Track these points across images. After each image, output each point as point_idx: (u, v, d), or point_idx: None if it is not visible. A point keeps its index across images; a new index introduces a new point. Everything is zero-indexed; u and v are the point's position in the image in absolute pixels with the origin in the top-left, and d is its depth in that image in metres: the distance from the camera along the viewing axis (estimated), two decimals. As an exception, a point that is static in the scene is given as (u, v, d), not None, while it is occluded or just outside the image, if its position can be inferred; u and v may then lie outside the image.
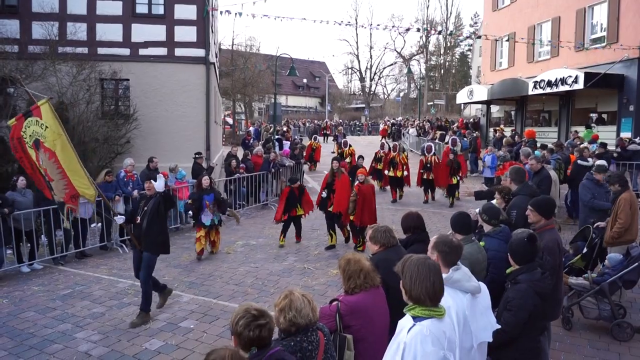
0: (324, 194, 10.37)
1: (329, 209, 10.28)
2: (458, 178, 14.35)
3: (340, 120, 50.13)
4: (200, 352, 5.88)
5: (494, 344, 3.54)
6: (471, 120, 30.64)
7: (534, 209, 4.91)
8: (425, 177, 14.76)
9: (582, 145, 13.40)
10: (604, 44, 17.92)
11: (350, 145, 19.49)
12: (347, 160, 17.61)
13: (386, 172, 15.56)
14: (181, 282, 8.46)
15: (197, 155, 13.19)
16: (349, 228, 10.45)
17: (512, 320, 3.67)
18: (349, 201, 9.78)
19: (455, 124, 30.93)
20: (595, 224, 7.48)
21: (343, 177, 10.22)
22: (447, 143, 17.98)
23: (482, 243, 4.83)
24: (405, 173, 15.20)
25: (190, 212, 10.05)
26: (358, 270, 3.67)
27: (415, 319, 2.80)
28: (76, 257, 10.03)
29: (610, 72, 16.98)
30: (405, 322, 2.88)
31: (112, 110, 15.53)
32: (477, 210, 5.25)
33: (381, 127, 41.50)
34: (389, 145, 16.74)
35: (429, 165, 14.61)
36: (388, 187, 15.74)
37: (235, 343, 2.81)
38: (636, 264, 6.20)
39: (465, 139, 21.21)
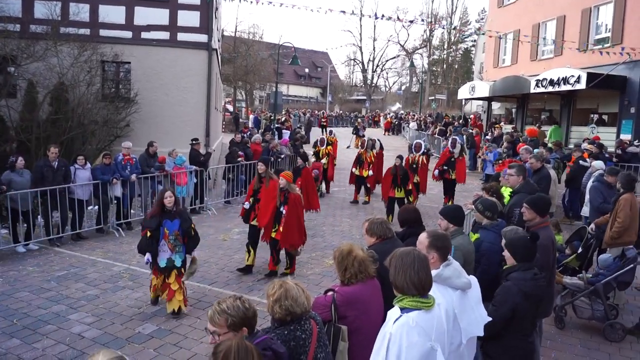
0: (247, 205, 8.43)
1: (253, 222, 8.33)
2: (407, 190, 11.75)
3: (341, 112, 49.96)
4: (193, 337, 5.91)
5: (483, 338, 3.57)
6: (487, 118, 29.40)
7: (530, 207, 4.93)
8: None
9: (588, 145, 13.34)
10: (608, 45, 17.87)
11: (328, 144, 16.09)
12: (324, 161, 15.23)
13: (353, 169, 14.18)
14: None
15: (193, 142, 13.00)
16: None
17: (493, 315, 3.69)
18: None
19: (458, 119, 30.42)
20: (592, 223, 7.50)
21: (272, 183, 8.10)
22: (447, 140, 16.59)
23: (477, 235, 4.89)
24: (371, 173, 13.78)
25: (148, 258, 6.44)
26: (352, 259, 3.67)
27: (403, 310, 2.81)
28: (72, 239, 10.03)
29: (613, 73, 16.95)
30: (393, 313, 2.91)
31: (112, 93, 15.46)
32: (476, 205, 5.28)
33: (382, 120, 40.81)
34: (380, 144, 15.51)
35: (415, 166, 12.82)
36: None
37: (221, 334, 2.73)
38: (631, 265, 6.23)
39: (461, 135, 21.00)
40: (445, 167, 13.15)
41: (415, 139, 30.56)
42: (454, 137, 14.74)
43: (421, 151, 13.04)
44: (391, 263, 2.92)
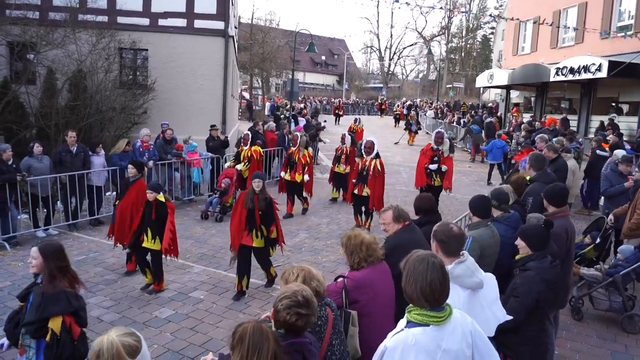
0: None
1: None
2: (268, 238, 6.86)
3: (357, 99, 49.48)
4: (209, 322, 5.98)
5: (501, 330, 3.51)
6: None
7: (544, 197, 4.94)
8: (356, 191, 9.73)
9: (610, 137, 13.08)
10: (630, 32, 17.48)
11: (253, 143, 11.67)
12: (240, 167, 11.43)
13: (282, 174, 11.12)
14: (193, 253, 8.57)
15: (212, 128, 13.21)
16: None
17: (518, 307, 3.67)
18: None
19: (475, 108, 29.57)
20: (610, 214, 7.40)
21: None
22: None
23: None
24: (307, 178, 10.92)
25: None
26: (359, 243, 3.71)
27: (408, 323, 2.55)
28: (90, 224, 10.17)
29: (635, 61, 16.58)
30: (401, 323, 2.65)
31: (130, 80, 15.58)
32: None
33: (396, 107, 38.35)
34: (351, 137, 12.51)
35: (365, 172, 9.54)
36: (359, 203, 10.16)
37: (273, 316, 2.78)
38: (650, 256, 6.15)
39: (474, 125, 20.65)
40: (429, 169, 10.11)
41: (432, 127, 30.06)
42: (439, 130, 10.95)
43: (374, 153, 9.61)
44: (405, 267, 2.64)
